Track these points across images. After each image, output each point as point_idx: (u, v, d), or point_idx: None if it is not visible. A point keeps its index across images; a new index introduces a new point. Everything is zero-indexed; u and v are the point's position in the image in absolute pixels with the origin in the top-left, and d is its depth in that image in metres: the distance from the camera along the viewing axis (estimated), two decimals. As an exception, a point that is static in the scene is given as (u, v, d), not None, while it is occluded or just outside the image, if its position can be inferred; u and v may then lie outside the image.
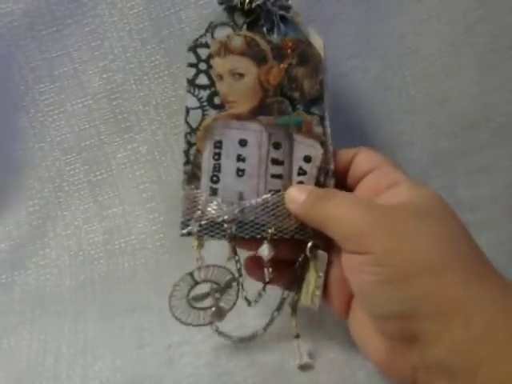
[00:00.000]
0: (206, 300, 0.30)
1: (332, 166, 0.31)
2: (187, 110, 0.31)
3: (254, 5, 0.30)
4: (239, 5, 0.31)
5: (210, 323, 0.31)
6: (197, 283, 0.30)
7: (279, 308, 0.31)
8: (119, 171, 0.39)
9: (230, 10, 0.31)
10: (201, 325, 0.30)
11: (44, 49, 0.38)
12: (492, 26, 0.38)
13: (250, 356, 0.31)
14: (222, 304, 0.30)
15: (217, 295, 0.30)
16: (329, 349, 0.32)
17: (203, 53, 0.31)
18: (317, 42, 0.32)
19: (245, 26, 0.31)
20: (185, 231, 0.30)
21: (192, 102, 0.31)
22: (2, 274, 0.39)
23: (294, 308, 0.31)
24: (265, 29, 0.31)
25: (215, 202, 0.30)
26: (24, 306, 0.37)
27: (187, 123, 0.31)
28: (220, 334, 0.32)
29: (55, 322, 0.35)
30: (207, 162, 0.31)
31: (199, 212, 0.30)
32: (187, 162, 0.31)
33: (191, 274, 0.30)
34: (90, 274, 0.38)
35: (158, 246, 0.39)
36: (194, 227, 0.30)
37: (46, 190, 0.40)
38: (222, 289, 0.30)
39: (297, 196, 0.29)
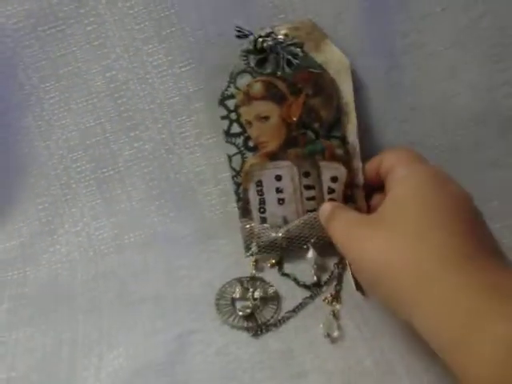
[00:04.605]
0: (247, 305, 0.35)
1: (361, 180, 0.36)
2: (229, 158, 0.36)
3: (265, 44, 0.33)
4: (252, 45, 0.34)
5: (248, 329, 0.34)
6: (244, 289, 0.36)
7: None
8: (126, 168, 0.40)
9: (246, 53, 0.35)
10: (240, 328, 0.34)
11: (48, 48, 0.38)
12: (497, 20, 0.38)
13: (259, 343, 0.33)
14: (260, 314, 0.35)
15: (257, 304, 0.35)
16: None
17: (231, 104, 0.35)
18: (342, 61, 0.35)
19: (257, 66, 0.34)
20: (248, 253, 0.38)
21: (231, 149, 0.36)
22: (15, 269, 0.40)
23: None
24: (275, 65, 0.34)
25: (266, 228, 0.38)
26: (38, 300, 0.38)
27: (232, 168, 0.37)
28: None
29: (69, 313, 0.36)
30: (253, 199, 0.37)
31: (256, 237, 0.38)
32: (239, 200, 0.37)
33: (240, 281, 0.37)
34: (101, 268, 0.39)
35: (169, 240, 0.40)
36: (254, 249, 0.38)
37: (53, 188, 0.40)
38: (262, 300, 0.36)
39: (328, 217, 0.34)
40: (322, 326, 0.33)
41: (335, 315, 0.34)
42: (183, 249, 0.40)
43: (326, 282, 0.37)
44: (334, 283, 0.36)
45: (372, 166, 0.35)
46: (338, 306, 0.35)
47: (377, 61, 0.38)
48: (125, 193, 0.41)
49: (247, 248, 0.38)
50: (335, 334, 0.33)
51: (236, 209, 0.39)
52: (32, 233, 0.41)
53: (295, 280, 0.37)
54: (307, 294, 0.36)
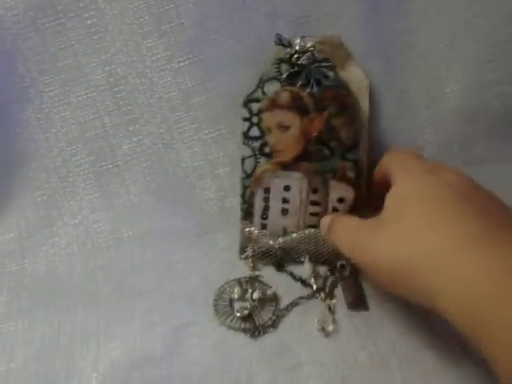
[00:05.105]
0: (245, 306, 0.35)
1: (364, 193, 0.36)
2: (243, 160, 0.37)
3: (300, 61, 0.34)
4: (288, 57, 0.35)
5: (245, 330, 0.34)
6: (243, 290, 0.36)
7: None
8: (125, 162, 0.40)
9: (279, 61, 0.35)
10: (237, 329, 0.34)
11: (47, 42, 0.38)
12: (491, 19, 0.38)
13: (255, 337, 0.34)
14: (258, 315, 0.35)
15: (255, 305, 0.35)
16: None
17: (255, 107, 0.36)
18: (362, 80, 0.36)
19: (288, 78, 0.35)
20: (243, 256, 0.39)
21: (247, 151, 0.36)
22: (13, 262, 0.40)
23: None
24: (305, 81, 0.35)
25: (265, 235, 0.38)
26: (36, 292, 0.38)
27: (243, 170, 0.37)
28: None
29: (67, 305, 0.36)
30: (258, 204, 0.37)
31: (253, 241, 0.38)
32: (244, 202, 0.37)
33: (239, 282, 0.37)
34: (99, 261, 0.40)
35: (166, 234, 0.40)
36: (249, 253, 0.38)
37: (52, 181, 0.41)
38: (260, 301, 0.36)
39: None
40: (316, 320, 0.33)
41: (330, 310, 0.35)
42: (181, 243, 0.40)
43: (321, 288, 0.36)
44: (329, 283, 0.37)
45: (376, 175, 0.35)
46: (333, 301, 0.35)
47: (373, 60, 0.38)
48: (123, 186, 0.41)
49: (242, 250, 0.39)
50: (330, 328, 0.33)
51: (233, 203, 0.40)
52: (30, 225, 0.41)
53: (291, 275, 0.37)
54: (304, 290, 0.36)
